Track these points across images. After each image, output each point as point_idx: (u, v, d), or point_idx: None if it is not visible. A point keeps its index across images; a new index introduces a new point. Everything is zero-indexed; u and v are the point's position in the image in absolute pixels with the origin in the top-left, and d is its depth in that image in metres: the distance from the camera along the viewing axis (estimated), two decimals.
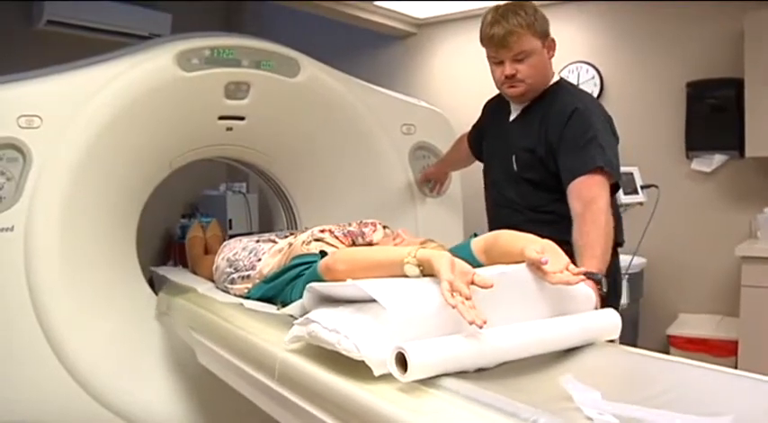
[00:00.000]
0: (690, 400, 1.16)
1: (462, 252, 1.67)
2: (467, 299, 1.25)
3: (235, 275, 2.27)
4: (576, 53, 4.08)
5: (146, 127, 2.44)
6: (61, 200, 2.25)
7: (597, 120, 2.12)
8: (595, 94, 4.00)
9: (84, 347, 2.30)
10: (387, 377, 1.23)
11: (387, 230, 2.21)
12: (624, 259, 3.34)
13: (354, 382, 1.28)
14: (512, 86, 2.17)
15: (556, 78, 2.26)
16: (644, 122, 3.90)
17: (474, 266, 1.41)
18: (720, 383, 1.28)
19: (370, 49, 4.95)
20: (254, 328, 1.80)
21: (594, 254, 1.88)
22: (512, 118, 2.29)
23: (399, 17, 4.60)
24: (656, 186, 3.23)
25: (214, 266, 2.43)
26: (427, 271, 1.39)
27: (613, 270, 2.21)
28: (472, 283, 1.30)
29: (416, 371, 1.19)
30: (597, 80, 4.03)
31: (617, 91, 4.02)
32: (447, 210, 3.05)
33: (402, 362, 1.20)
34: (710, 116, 3.59)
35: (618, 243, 2.20)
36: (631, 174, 3.15)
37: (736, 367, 2.82)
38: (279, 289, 1.96)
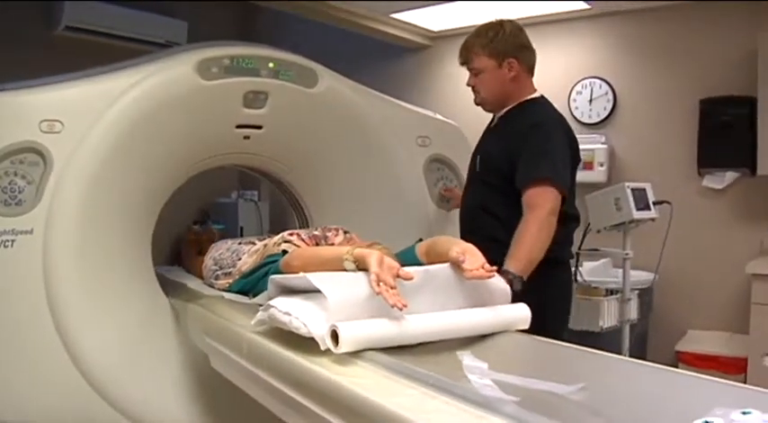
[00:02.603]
0: (561, 373, 1.41)
1: (408, 253, 2.01)
2: (391, 288, 1.54)
3: (219, 272, 2.56)
4: (589, 69, 4.08)
5: (165, 134, 2.46)
6: (80, 204, 2.27)
7: (557, 136, 2.25)
8: (608, 110, 4.02)
9: (98, 350, 2.31)
10: (327, 351, 1.51)
11: (347, 235, 2.48)
12: (635, 274, 3.36)
13: (301, 355, 1.55)
14: (474, 95, 2.42)
15: (536, 95, 2.38)
16: (656, 138, 3.91)
17: (415, 265, 1.77)
18: (588, 361, 1.57)
19: (385, 61, 4.97)
20: (231, 316, 2.09)
21: (518, 255, 2.08)
22: (492, 126, 2.46)
23: (414, 29, 4.64)
24: (669, 202, 3.23)
25: (203, 265, 2.68)
26: (361, 266, 1.68)
27: (558, 286, 2.34)
28: (398, 275, 1.58)
29: (346, 344, 1.48)
30: (610, 96, 4.03)
31: (630, 107, 4.03)
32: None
33: (336, 337, 1.49)
34: (723, 133, 3.60)
35: (562, 258, 2.32)
36: (644, 189, 3.14)
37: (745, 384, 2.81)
38: (253, 283, 2.24)
